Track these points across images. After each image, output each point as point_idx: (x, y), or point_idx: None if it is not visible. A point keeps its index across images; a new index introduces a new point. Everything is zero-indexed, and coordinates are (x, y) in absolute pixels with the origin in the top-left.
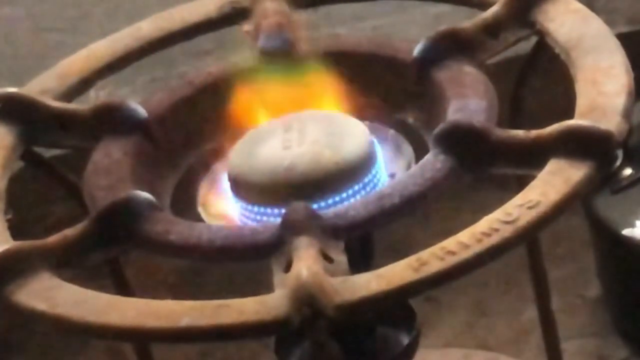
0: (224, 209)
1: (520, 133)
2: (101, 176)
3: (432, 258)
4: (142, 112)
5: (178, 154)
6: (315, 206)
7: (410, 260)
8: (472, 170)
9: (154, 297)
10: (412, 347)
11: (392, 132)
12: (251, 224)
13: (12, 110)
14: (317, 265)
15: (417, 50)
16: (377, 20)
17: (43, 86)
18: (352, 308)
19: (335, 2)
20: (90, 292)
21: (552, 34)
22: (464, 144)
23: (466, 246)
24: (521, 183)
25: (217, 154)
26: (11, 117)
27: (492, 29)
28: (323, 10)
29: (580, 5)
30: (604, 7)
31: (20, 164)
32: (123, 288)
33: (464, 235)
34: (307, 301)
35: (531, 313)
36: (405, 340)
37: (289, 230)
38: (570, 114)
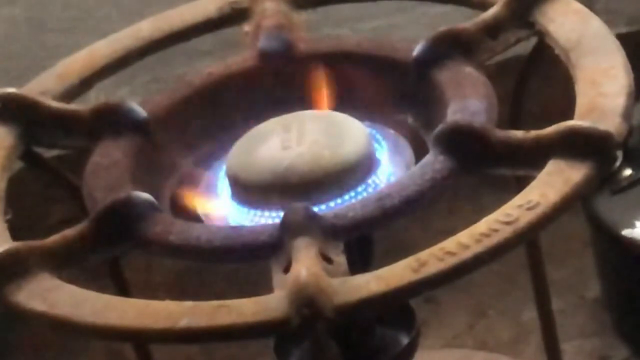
0: (223, 209)
1: (519, 134)
2: (101, 177)
3: (432, 259)
4: (141, 112)
5: (178, 155)
6: (314, 207)
7: (410, 260)
8: (471, 171)
9: (153, 298)
10: (411, 348)
11: (392, 132)
12: (250, 224)
13: (12, 110)
14: (317, 266)
15: (416, 50)
16: (377, 21)
17: (43, 86)
18: (352, 309)
19: (335, 3)
20: (89, 293)
21: (552, 34)
22: (463, 144)
23: (466, 247)
24: (521, 184)
25: (217, 154)
26: (11, 117)
27: (492, 29)
28: (323, 10)
29: (580, 6)
30: (604, 8)
31: (20, 164)
32: (122, 288)
33: (464, 236)
34: (307, 302)
35: (531, 313)
36: (404, 340)
37: (288, 231)
38: (570, 115)
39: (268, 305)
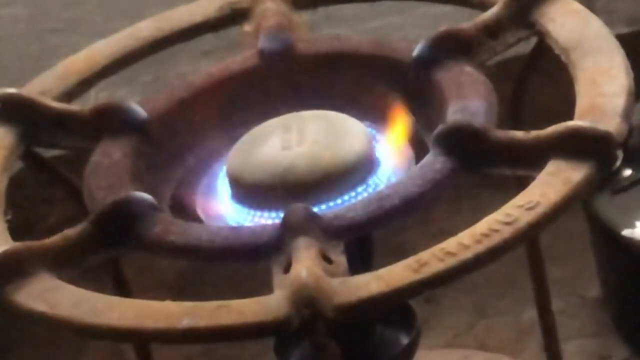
0: (223, 209)
1: (519, 134)
2: (101, 177)
3: (432, 259)
4: (141, 112)
5: (177, 155)
6: (314, 207)
7: (410, 261)
8: (471, 171)
9: (154, 298)
10: (411, 348)
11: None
12: (250, 224)
13: (12, 110)
14: (317, 267)
15: (416, 50)
16: (377, 21)
17: (43, 86)
18: (352, 309)
19: (335, 3)
20: (89, 293)
21: (552, 34)
22: (463, 144)
23: (466, 247)
24: (521, 184)
25: (217, 154)
26: (11, 117)
27: (492, 29)
28: (323, 10)
29: (580, 6)
30: (604, 8)
31: (20, 164)
32: (123, 288)
33: (464, 236)
34: (307, 302)
35: (531, 313)
36: (405, 340)
37: (288, 231)
38: (570, 115)
39: (268, 305)
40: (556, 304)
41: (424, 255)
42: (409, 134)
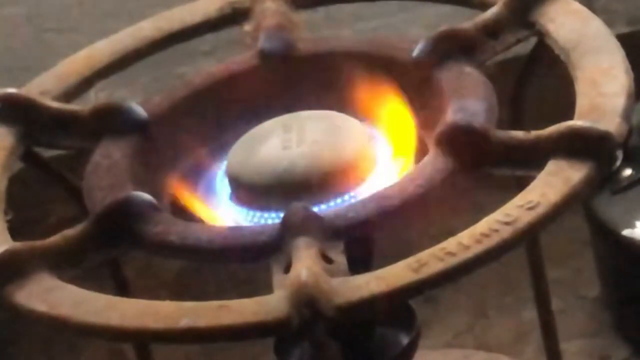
0: (223, 209)
1: (519, 134)
2: (101, 177)
3: (432, 259)
4: (141, 112)
5: (177, 155)
6: (314, 207)
7: (410, 261)
8: (471, 171)
9: (154, 298)
10: (411, 348)
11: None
12: (250, 224)
13: (12, 110)
14: (317, 266)
15: (416, 50)
16: (377, 21)
17: (43, 86)
18: (352, 309)
19: (335, 2)
20: (89, 293)
21: (552, 34)
22: (463, 145)
23: (466, 247)
24: (521, 184)
25: (217, 154)
26: (11, 117)
27: (492, 29)
28: (323, 10)
29: (580, 6)
30: (603, 8)
31: (20, 164)
32: (123, 288)
33: (464, 236)
34: (307, 302)
35: (531, 313)
36: (404, 340)
37: (288, 231)
38: (570, 115)
39: (268, 305)
40: (556, 304)
41: (424, 255)
42: (409, 134)
